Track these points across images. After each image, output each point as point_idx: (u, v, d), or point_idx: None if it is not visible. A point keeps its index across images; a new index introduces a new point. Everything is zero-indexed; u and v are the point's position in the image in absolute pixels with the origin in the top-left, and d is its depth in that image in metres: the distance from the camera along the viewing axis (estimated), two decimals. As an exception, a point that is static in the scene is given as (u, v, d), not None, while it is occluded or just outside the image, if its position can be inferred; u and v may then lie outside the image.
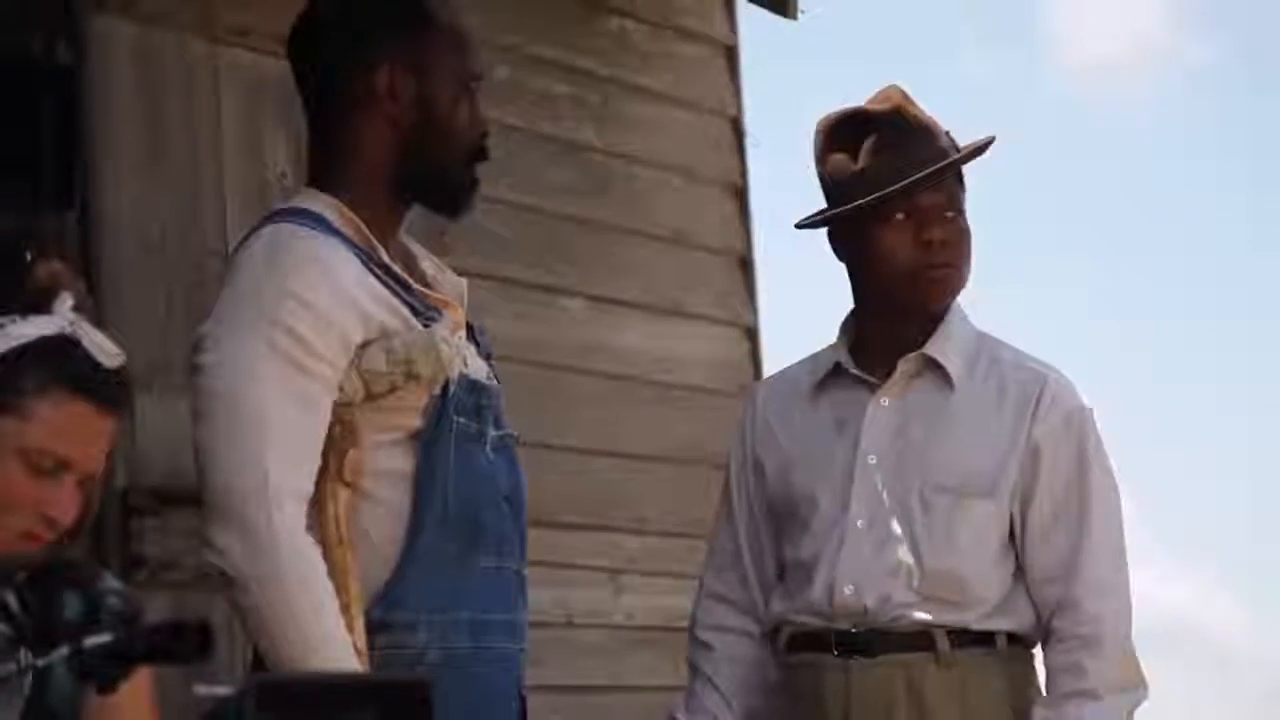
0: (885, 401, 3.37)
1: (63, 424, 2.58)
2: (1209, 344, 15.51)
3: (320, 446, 2.90)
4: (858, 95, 3.49)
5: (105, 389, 2.63)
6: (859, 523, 3.32)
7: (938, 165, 3.36)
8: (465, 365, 3.02)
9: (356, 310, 2.91)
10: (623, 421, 5.86)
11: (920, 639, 3.29)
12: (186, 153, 4.73)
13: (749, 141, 6.34)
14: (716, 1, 6.33)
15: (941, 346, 3.37)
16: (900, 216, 3.34)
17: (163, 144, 4.69)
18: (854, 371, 3.41)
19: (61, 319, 2.62)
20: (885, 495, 3.32)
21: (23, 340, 2.59)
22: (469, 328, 3.11)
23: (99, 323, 2.69)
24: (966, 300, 3.46)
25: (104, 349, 2.64)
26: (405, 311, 2.96)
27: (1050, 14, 16.61)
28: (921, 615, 3.28)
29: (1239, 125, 15.55)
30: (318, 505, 2.90)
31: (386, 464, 2.95)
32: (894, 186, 3.33)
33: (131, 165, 4.60)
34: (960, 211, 3.40)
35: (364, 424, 2.93)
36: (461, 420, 2.98)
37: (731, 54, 6.33)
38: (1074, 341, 15.07)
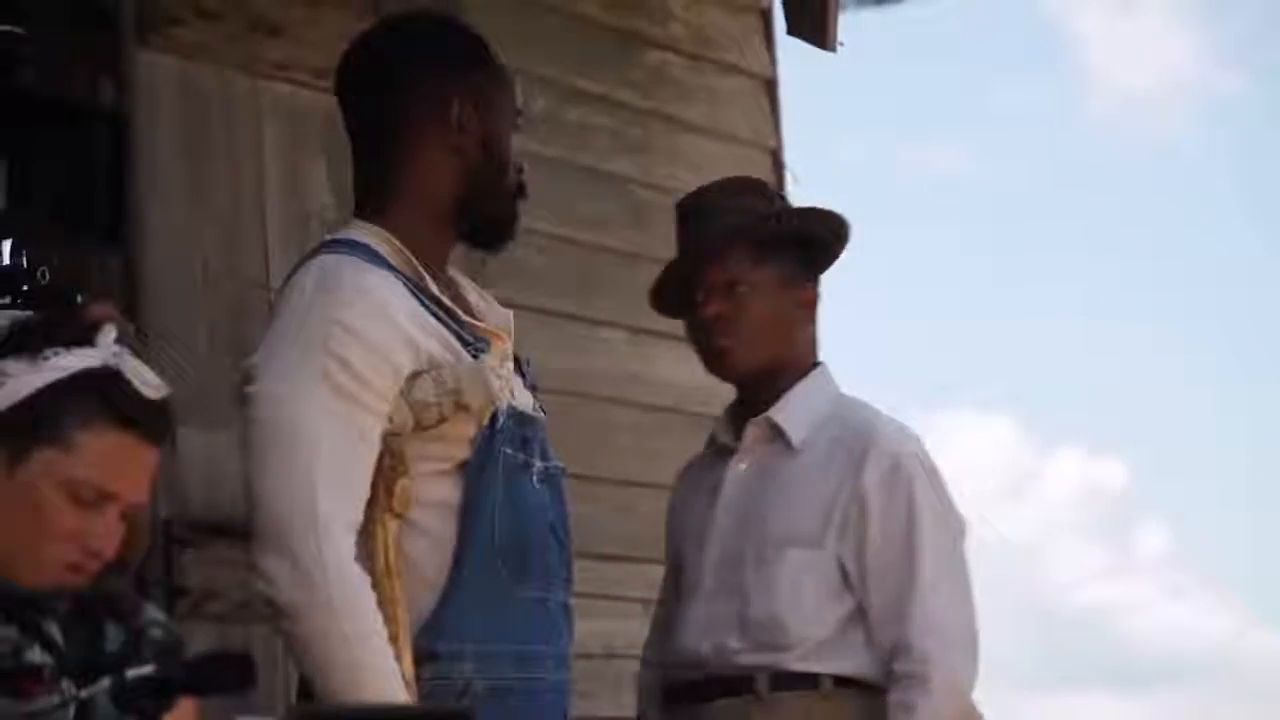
0: (741, 466, 3.58)
1: (105, 456, 2.60)
2: (1236, 376, 15.46)
3: (369, 477, 2.91)
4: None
5: (148, 421, 2.64)
6: (708, 579, 3.51)
7: (706, 243, 3.50)
8: (513, 396, 3.03)
9: (407, 341, 2.92)
10: (660, 452, 5.86)
11: (744, 682, 3.44)
12: (229, 185, 4.76)
13: (788, 174, 6.35)
14: (756, 34, 6.35)
15: (783, 411, 3.55)
16: (699, 296, 3.52)
17: (205, 177, 4.72)
18: (721, 440, 3.64)
19: (105, 351, 2.64)
20: (730, 552, 3.51)
21: (66, 372, 2.61)
22: (515, 359, 3.12)
23: (141, 355, 2.71)
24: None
25: (147, 381, 2.66)
26: (454, 342, 2.97)
27: (1083, 47, 16.60)
28: (745, 659, 3.44)
29: (1268, 156, 15.53)
30: (367, 535, 2.91)
31: (434, 494, 2.95)
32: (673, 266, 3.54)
33: (174, 198, 4.63)
34: (751, 285, 3.51)
35: (413, 454, 2.94)
36: (509, 451, 2.98)
37: (771, 87, 6.35)
38: (1112, 375, 15.04)
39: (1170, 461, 14.86)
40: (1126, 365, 15.13)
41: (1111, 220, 15.58)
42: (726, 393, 6.06)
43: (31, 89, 3.45)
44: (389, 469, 2.91)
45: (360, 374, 2.88)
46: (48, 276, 3.18)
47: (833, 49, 5.63)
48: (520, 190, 3.12)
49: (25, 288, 3.21)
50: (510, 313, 3.14)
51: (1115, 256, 15.60)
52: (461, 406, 2.93)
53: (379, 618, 2.84)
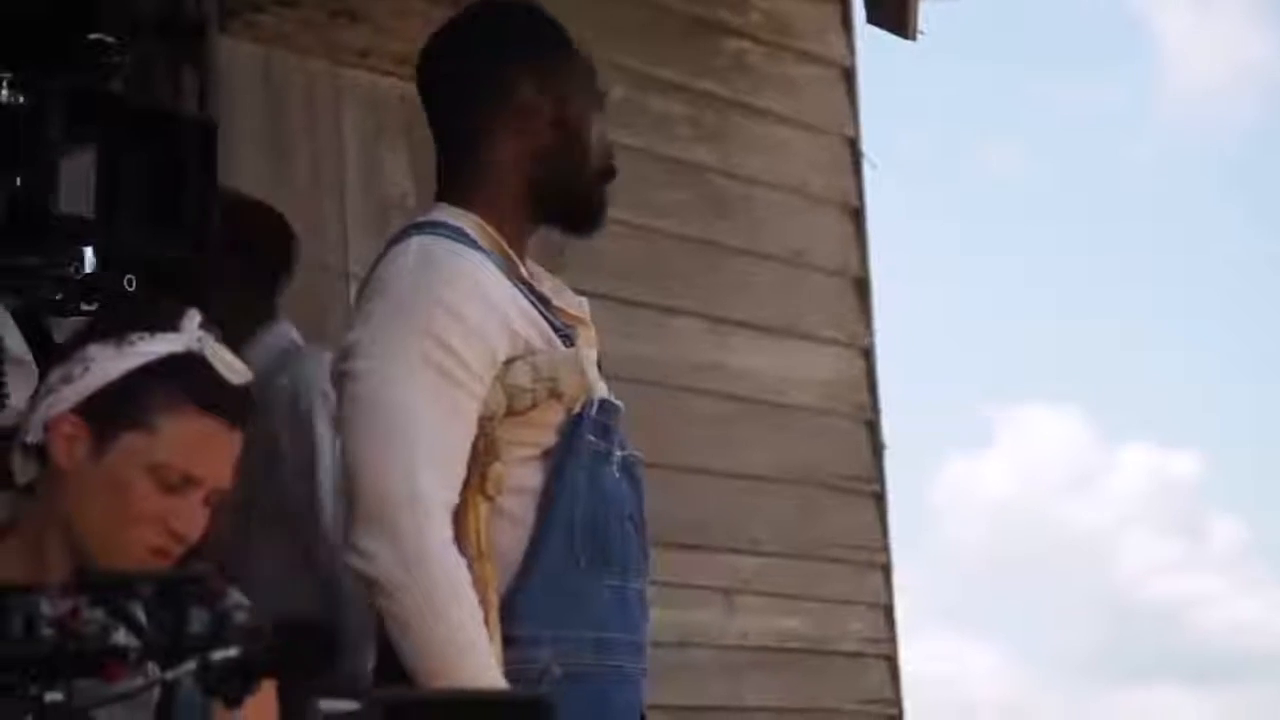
0: None
1: (190, 440, 2.61)
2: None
3: (464, 460, 2.92)
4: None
5: (231, 405, 2.65)
6: None
7: None
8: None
9: (505, 325, 2.93)
10: (737, 442, 5.86)
11: None
12: (308, 172, 4.78)
13: (866, 162, 6.34)
14: (834, 23, 6.34)
15: None
16: None
17: (285, 164, 4.74)
18: None
19: (189, 336, 2.65)
20: None
21: (151, 357, 2.62)
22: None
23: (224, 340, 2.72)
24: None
25: (230, 366, 2.67)
26: (548, 329, 2.98)
27: (1158, 39, 16.49)
28: None
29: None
30: (460, 517, 2.92)
31: (520, 481, 2.96)
32: None
33: (254, 184, 4.65)
34: None
35: (504, 439, 2.95)
36: (592, 439, 2.99)
37: (849, 75, 6.33)
38: (1183, 368, 14.95)
39: (1243, 454, 14.78)
40: (1197, 358, 15.06)
41: (1183, 216, 15.48)
42: (805, 383, 6.07)
43: (120, 96, 3.48)
44: (483, 452, 2.92)
45: (461, 356, 2.89)
46: (134, 284, 3.21)
47: (913, 37, 5.63)
48: (608, 175, 3.11)
49: (111, 294, 3.24)
50: (585, 300, 3.14)
51: (1186, 252, 15.50)
52: (555, 394, 2.93)
53: (474, 599, 2.85)
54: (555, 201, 3.07)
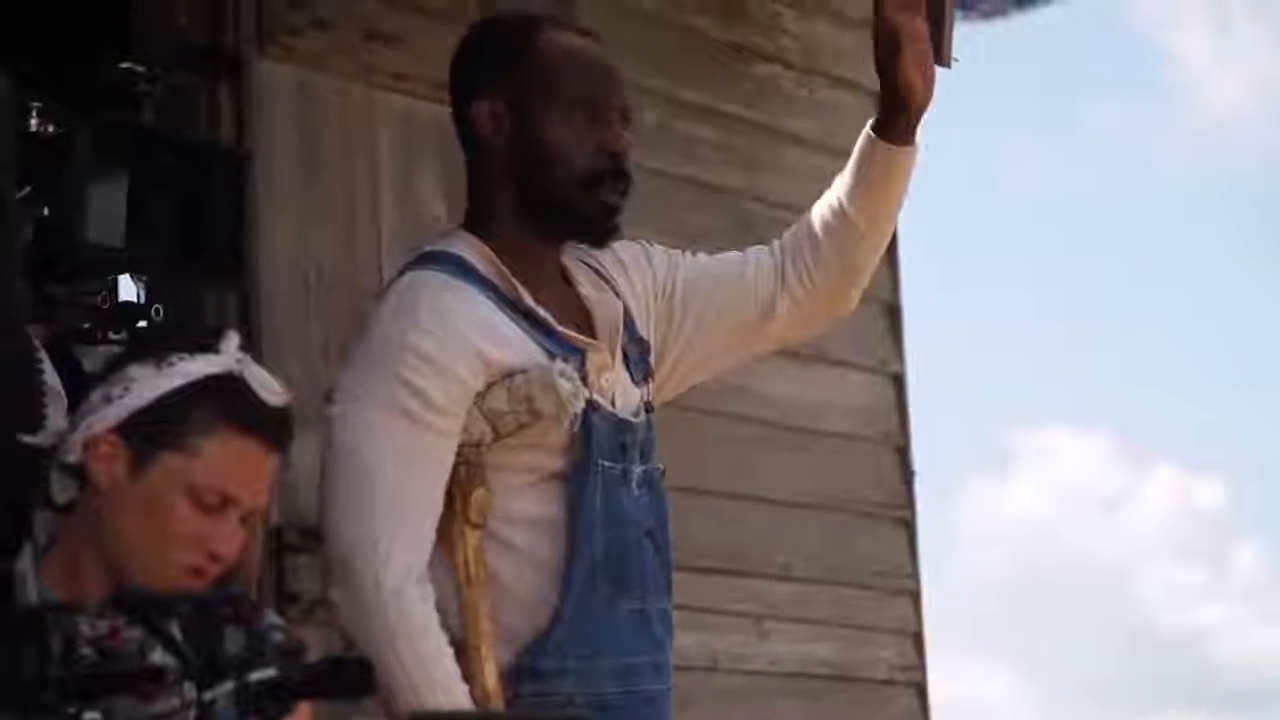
0: None
1: (229, 461, 2.62)
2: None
3: (438, 498, 2.92)
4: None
5: (270, 427, 2.67)
6: None
7: None
8: (613, 403, 3.01)
9: (478, 357, 2.92)
10: (766, 467, 5.86)
11: None
12: (343, 194, 4.79)
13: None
14: (866, 49, 6.33)
15: None
16: None
17: (320, 186, 4.75)
18: None
19: (228, 358, 2.67)
20: None
21: (190, 378, 2.63)
22: (631, 349, 3.09)
23: (259, 360, 2.74)
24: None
25: (269, 387, 2.68)
26: (538, 353, 2.95)
27: (1178, 62, 16.48)
28: None
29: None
30: (446, 546, 2.93)
31: (523, 510, 2.95)
32: None
33: (290, 205, 4.67)
34: None
35: (494, 464, 2.94)
36: (606, 464, 2.97)
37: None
38: (1211, 393, 14.92)
39: (1269, 481, 14.72)
40: (1221, 382, 15.02)
41: (1206, 240, 15.46)
42: (835, 409, 6.07)
43: (150, 127, 3.49)
44: (465, 480, 2.93)
45: (429, 397, 2.89)
46: (162, 313, 3.23)
47: (947, 65, 5.61)
48: (603, 177, 3.00)
49: (142, 323, 3.25)
50: (620, 305, 3.09)
51: (1210, 276, 15.48)
52: (534, 413, 2.92)
53: (443, 639, 2.86)
54: (544, 213, 3.01)
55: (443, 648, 2.86)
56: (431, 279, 2.95)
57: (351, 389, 2.93)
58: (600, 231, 3.04)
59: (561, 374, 2.90)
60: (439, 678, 2.84)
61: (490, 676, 2.88)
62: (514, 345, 2.94)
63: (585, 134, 2.99)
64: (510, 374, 2.92)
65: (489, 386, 2.92)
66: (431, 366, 2.89)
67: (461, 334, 2.91)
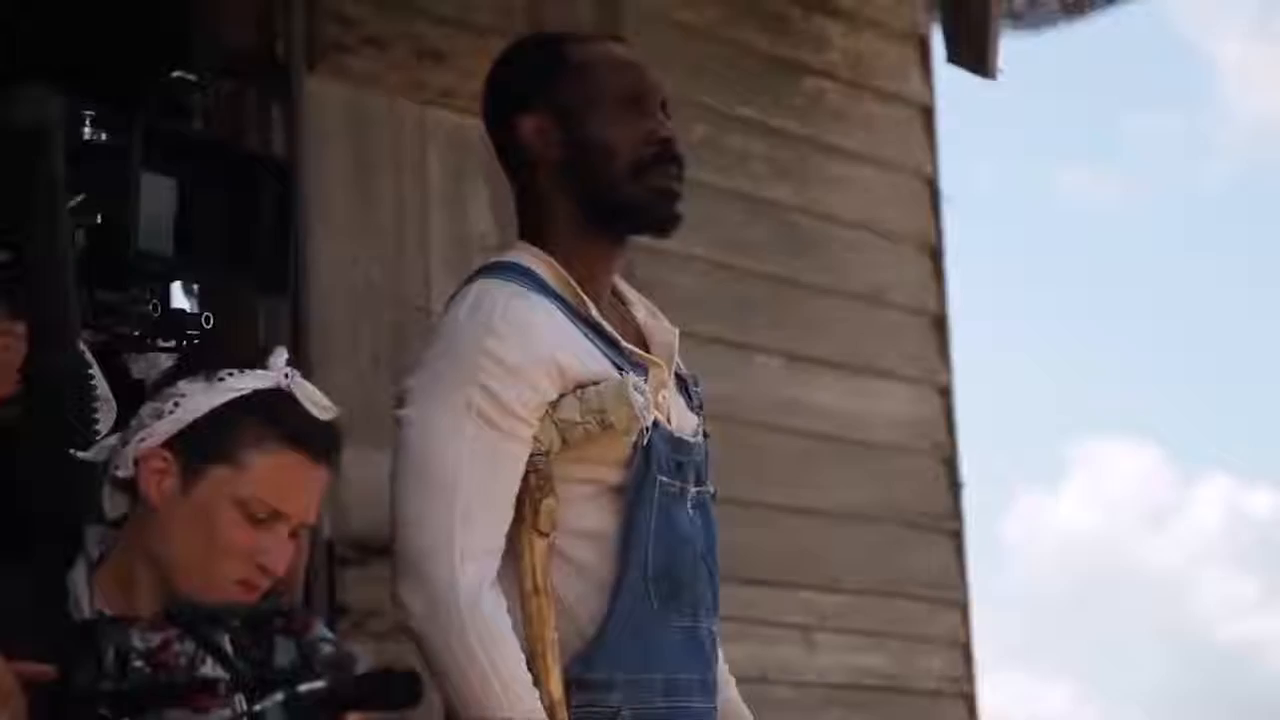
0: None
1: (278, 475, 2.65)
2: None
3: (511, 504, 2.93)
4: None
5: (318, 441, 2.69)
6: None
7: None
8: (669, 421, 3.03)
9: (554, 366, 2.94)
10: (816, 479, 5.87)
11: None
12: (393, 210, 4.82)
13: (944, 201, 6.35)
14: (914, 62, 6.35)
15: None
16: None
17: (370, 202, 4.79)
18: None
19: (277, 373, 2.70)
20: None
21: (240, 392, 2.67)
22: (683, 380, 3.13)
23: (308, 375, 2.77)
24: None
25: (317, 402, 2.71)
26: (607, 366, 2.99)
27: (1220, 69, 16.42)
28: None
29: None
30: (515, 555, 2.94)
31: (582, 523, 2.97)
32: None
33: (340, 221, 4.70)
34: None
35: (561, 475, 2.96)
36: (664, 480, 2.99)
37: (928, 114, 6.35)
38: (1262, 402, 14.84)
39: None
40: (1275, 391, 14.94)
41: (1252, 246, 15.39)
42: (884, 421, 6.08)
43: (202, 135, 3.52)
44: (535, 488, 2.94)
45: (506, 403, 2.91)
46: (211, 322, 3.25)
47: (993, 76, 5.62)
48: (645, 164, 3.02)
49: (192, 331, 3.28)
50: (675, 330, 3.14)
51: (1258, 282, 15.40)
52: (605, 425, 2.94)
53: (515, 644, 2.87)
54: (601, 211, 3.03)
55: (519, 655, 2.87)
56: (503, 288, 2.98)
57: (424, 391, 2.93)
58: (658, 217, 3.06)
59: (635, 387, 2.93)
60: (516, 687, 2.85)
61: (556, 685, 2.89)
62: (588, 357, 2.97)
63: (631, 129, 3.03)
64: (581, 385, 2.95)
65: (560, 396, 2.95)
66: (509, 372, 2.91)
67: (538, 342, 2.93)
